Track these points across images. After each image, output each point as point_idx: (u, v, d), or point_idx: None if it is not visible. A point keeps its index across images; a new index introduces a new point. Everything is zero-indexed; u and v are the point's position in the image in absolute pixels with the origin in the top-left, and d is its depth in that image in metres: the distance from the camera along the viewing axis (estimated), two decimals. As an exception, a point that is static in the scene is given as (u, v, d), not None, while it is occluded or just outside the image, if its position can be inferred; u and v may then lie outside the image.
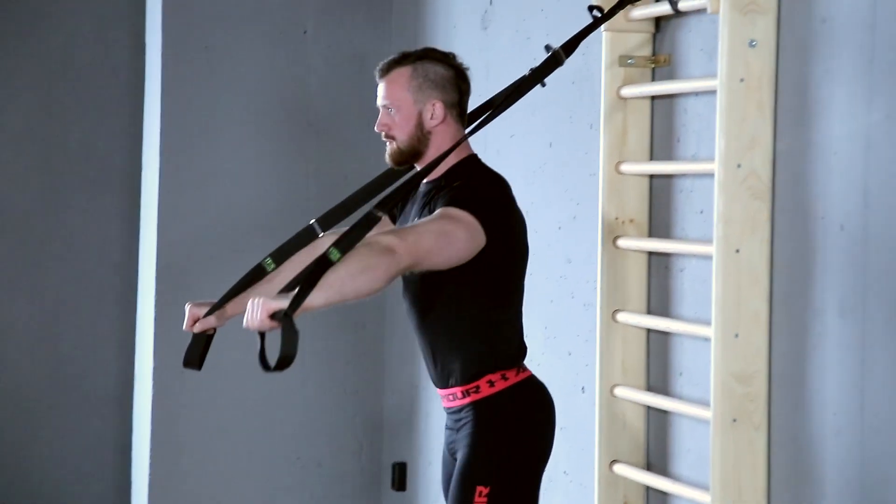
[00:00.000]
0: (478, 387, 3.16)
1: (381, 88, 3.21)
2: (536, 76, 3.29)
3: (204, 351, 3.29)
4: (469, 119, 3.30)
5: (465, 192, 3.11)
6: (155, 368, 4.92)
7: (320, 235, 3.27)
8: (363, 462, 5.14)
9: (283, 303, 2.90)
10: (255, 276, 3.26)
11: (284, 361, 2.92)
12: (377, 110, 3.24)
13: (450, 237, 3.03)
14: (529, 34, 4.19)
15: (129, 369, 5.26)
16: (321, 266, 2.94)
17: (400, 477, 5.02)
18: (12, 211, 5.29)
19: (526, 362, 3.53)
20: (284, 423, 5.07)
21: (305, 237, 3.28)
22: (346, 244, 2.97)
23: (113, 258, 5.38)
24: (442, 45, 4.71)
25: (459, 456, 3.16)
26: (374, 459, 5.14)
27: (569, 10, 3.94)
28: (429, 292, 3.17)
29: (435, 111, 3.18)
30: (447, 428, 3.25)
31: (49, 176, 5.33)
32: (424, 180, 3.21)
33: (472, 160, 3.22)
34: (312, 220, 3.30)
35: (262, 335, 3.00)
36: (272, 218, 5.00)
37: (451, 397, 3.20)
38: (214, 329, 3.29)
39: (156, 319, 4.92)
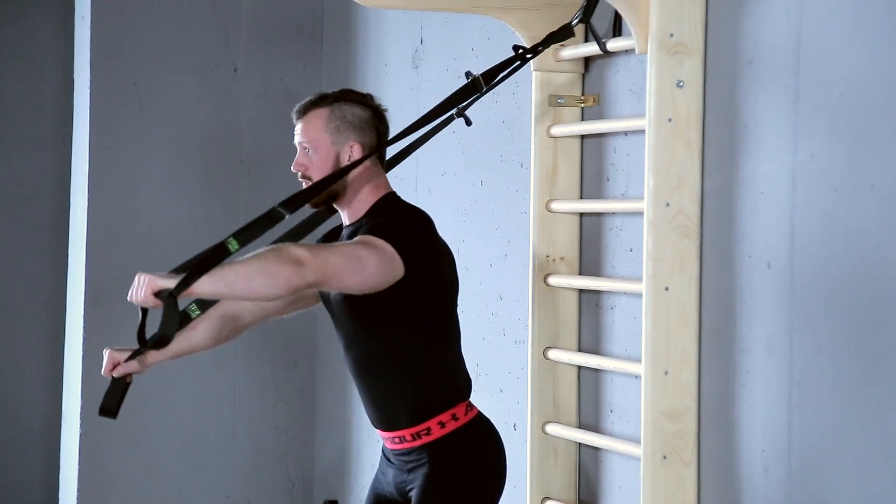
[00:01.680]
0: (428, 429, 3.13)
1: (298, 128, 3.19)
2: (453, 100, 3.29)
3: (121, 398, 3.21)
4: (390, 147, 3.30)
5: (383, 223, 3.10)
6: (83, 407, 4.87)
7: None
8: (295, 500, 5.11)
9: (170, 282, 2.86)
10: (181, 321, 3.20)
11: (162, 341, 2.89)
12: None
13: (362, 261, 3.01)
14: (460, 73, 4.21)
15: (57, 408, 5.20)
16: (217, 254, 2.92)
17: (331, 515, 5.00)
18: (-63, 248, 5.24)
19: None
20: (215, 462, 5.03)
21: None
22: (245, 236, 2.97)
23: (41, 295, 5.33)
24: (373, 84, 4.73)
25: (417, 495, 3.12)
26: (305, 498, 5.11)
27: (499, 48, 3.97)
28: (363, 334, 3.15)
29: (353, 153, 3.16)
30: (392, 467, 3.20)
31: (-25, 213, 5.28)
32: (347, 222, 3.21)
33: (392, 198, 3.21)
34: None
35: (145, 311, 2.96)
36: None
37: (397, 440, 3.17)
38: (131, 376, 3.23)
39: (84, 358, 4.87)
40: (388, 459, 3.22)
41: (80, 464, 4.88)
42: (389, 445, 3.19)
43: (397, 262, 3.05)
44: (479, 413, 3.20)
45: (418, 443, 3.13)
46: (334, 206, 3.23)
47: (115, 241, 4.91)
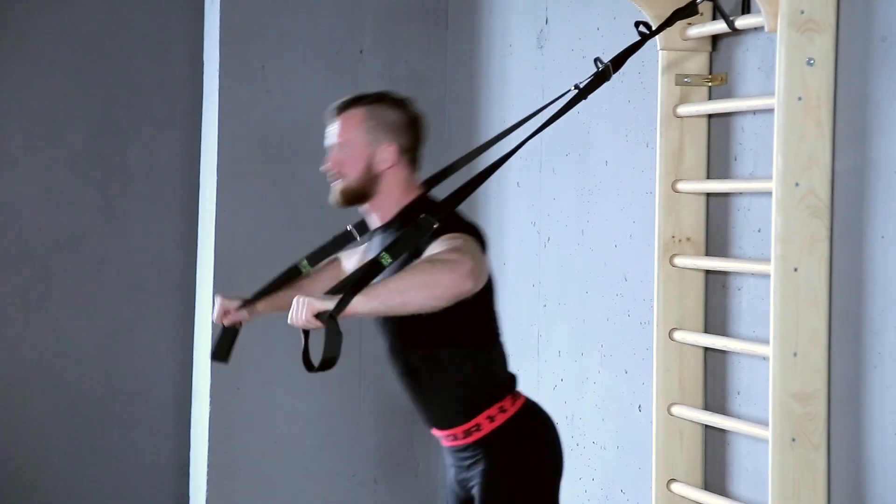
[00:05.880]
0: (478, 425, 3.14)
1: (333, 127, 3.19)
2: (585, 91, 3.29)
3: (231, 345, 3.27)
4: (516, 129, 3.30)
5: (456, 228, 3.06)
6: (212, 386, 4.95)
7: (358, 239, 3.31)
8: (420, 480, 5.15)
9: (329, 304, 2.88)
10: (290, 276, 3.27)
11: (327, 363, 2.90)
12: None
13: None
14: (585, 53, 4.19)
15: (188, 387, 5.30)
16: (372, 270, 2.94)
17: (456, 494, 5.02)
18: (71, 230, 5.35)
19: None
20: (341, 440, 5.09)
21: (342, 240, 3.31)
22: (396, 250, 2.98)
23: (171, 276, 5.42)
24: (497, 65, 4.73)
25: (479, 492, 3.13)
26: (430, 477, 5.14)
27: (624, 28, 3.95)
28: (410, 339, 3.14)
29: (387, 154, 3.16)
30: (453, 465, 3.21)
31: (108, 194, 5.39)
32: (378, 223, 3.19)
33: (425, 199, 3.19)
34: (349, 226, 3.32)
35: (307, 334, 2.98)
36: (330, 234, 5.02)
37: (450, 437, 3.18)
38: (241, 323, 3.28)
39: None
40: (450, 459, 3.23)
41: (209, 441, 4.97)
42: (445, 443, 3.21)
43: (486, 266, 3.07)
44: (527, 400, 3.19)
45: (471, 439, 3.15)
46: (361, 207, 3.21)
47: (244, 222, 4.98)
